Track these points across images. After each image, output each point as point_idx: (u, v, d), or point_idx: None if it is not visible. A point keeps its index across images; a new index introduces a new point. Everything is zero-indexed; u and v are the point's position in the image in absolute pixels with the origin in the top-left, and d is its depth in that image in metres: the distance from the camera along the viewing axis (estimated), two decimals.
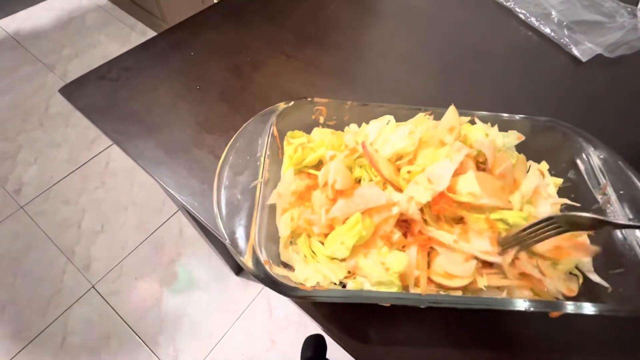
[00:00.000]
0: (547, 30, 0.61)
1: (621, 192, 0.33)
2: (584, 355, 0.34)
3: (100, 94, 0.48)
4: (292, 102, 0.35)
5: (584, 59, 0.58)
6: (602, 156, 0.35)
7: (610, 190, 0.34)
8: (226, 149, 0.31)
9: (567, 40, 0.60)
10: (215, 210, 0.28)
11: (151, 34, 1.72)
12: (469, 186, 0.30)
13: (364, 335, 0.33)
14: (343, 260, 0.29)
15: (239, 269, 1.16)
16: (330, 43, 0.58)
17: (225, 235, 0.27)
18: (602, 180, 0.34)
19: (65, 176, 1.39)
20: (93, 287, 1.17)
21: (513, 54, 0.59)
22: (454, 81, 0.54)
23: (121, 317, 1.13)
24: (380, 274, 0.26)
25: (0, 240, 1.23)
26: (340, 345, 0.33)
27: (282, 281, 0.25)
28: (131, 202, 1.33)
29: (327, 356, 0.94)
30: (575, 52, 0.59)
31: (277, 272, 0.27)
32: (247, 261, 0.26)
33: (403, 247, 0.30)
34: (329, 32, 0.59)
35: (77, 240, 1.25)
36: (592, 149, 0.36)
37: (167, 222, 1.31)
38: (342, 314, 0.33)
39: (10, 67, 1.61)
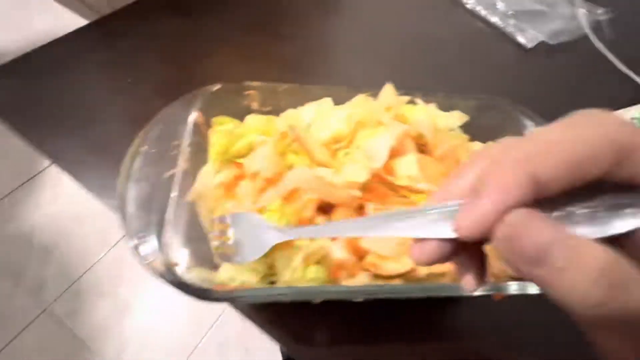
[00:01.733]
0: (494, 19, 0.62)
1: None
2: (522, 335, 0.32)
3: (16, 90, 0.43)
4: (218, 85, 0.32)
5: (528, 46, 0.59)
6: None
7: None
8: (138, 137, 0.28)
9: (512, 28, 0.61)
10: (119, 206, 0.24)
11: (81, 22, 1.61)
12: (408, 169, 0.29)
13: (309, 338, 0.30)
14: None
15: None
16: (281, 33, 0.56)
17: (131, 236, 0.23)
18: None
19: (12, 191, 1.28)
20: (46, 309, 1.07)
21: (462, 42, 0.59)
22: (404, 70, 0.54)
23: (80, 338, 1.04)
24: (295, 271, 0.23)
25: None
26: (288, 351, 0.30)
27: (197, 284, 0.22)
28: (90, 214, 1.24)
29: None
30: (521, 39, 0.60)
31: (199, 275, 0.24)
32: (154, 264, 0.22)
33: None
34: (281, 22, 0.57)
35: (26, 260, 1.15)
36: (534, 125, 0.35)
37: None
38: (287, 318, 0.31)
39: None
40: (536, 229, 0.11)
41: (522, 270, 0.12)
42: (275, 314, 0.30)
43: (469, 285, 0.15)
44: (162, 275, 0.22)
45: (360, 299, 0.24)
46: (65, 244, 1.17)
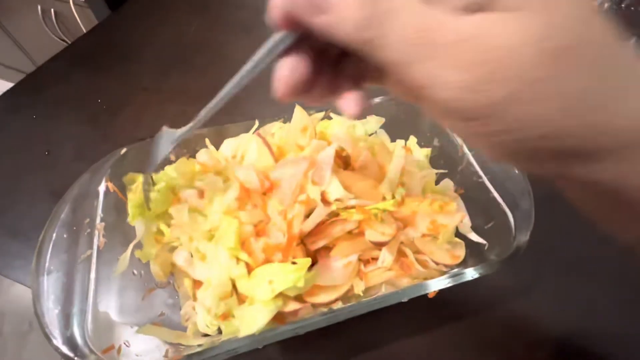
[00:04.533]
0: None
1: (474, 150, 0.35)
2: (495, 306, 0.34)
3: None
4: (125, 149, 0.31)
5: None
6: None
7: (466, 149, 0.35)
8: (46, 225, 0.26)
9: None
10: (34, 304, 0.23)
11: None
12: (336, 192, 0.29)
13: None
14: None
15: None
16: (195, 66, 0.55)
17: (50, 338, 0.22)
18: (459, 141, 0.35)
19: None
20: None
21: None
22: None
23: None
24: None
25: None
26: None
27: None
28: None
29: None
30: None
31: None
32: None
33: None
34: (193, 56, 0.56)
35: (2, 351, 1.07)
36: None
37: None
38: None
39: None
40: None
41: (309, 21, 0.14)
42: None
43: (350, 111, 0.17)
44: None
45: (303, 332, 0.24)
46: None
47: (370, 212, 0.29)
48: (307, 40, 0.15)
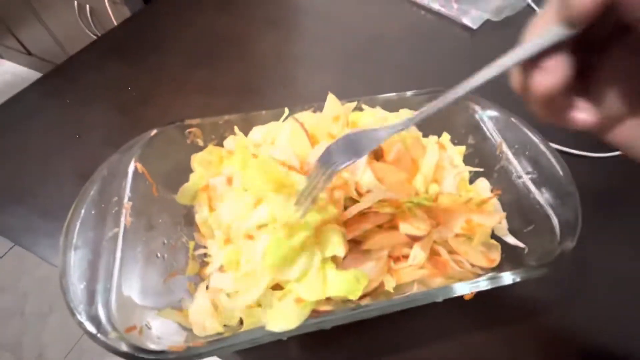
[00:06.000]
0: (436, 6, 0.62)
1: (516, 146, 0.32)
2: (530, 317, 0.32)
3: None
4: (155, 130, 0.31)
5: (474, 27, 0.59)
6: (492, 115, 0.34)
7: (505, 148, 0.33)
8: (75, 202, 0.26)
9: (456, 12, 0.61)
10: (60, 279, 0.23)
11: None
12: (369, 182, 0.28)
13: None
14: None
15: None
16: (223, 59, 0.55)
17: (74, 312, 0.22)
18: (498, 138, 0.33)
19: None
20: None
21: (408, 34, 0.59)
22: (354, 72, 0.53)
23: None
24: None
25: None
26: None
27: (151, 348, 0.21)
28: None
29: None
30: (465, 21, 0.60)
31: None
32: (103, 338, 0.21)
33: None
34: (221, 50, 0.56)
35: (22, 330, 1.10)
36: (483, 110, 0.35)
37: None
38: (268, 354, 0.29)
39: None
40: None
41: None
42: (260, 356, 0.29)
43: (581, 122, 0.15)
44: (109, 348, 0.21)
45: (329, 327, 0.23)
46: (59, 307, 1.13)
47: (404, 205, 0.28)
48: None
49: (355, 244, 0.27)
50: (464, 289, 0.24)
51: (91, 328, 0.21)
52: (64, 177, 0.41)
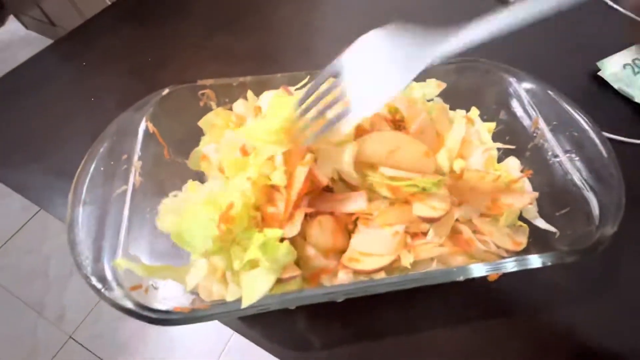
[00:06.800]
0: None
1: (554, 123, 0.29)
2: (552, 308, 0.30)
3: None
4: (167, 90, 0.29)
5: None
6: (529, 88, 0.31)
7: (542, 124, 0.30)
8: (85, 158, 0.26)
9: None
10: (68, 234, 0.22)
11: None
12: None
13: (306, 345, 0.28)
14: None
15: None
16: (242, 26, 0.53)
17: (80, 267, 0.21)
18: (533, 114, 0.30)
19: (23, 225, 1.30)
20: (71, 337, 1.09)
21: (434, 4, 0.55)
22: None
23: None
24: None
25: None
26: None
27: (157, 308, 0.20)
28: None
29: None
30: None
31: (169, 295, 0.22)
32: (109, 293, 0.20)
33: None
34: (239, 17, 0.54)
35: (45, 291, 1.17)
36: (519, 82, 0.32)
37: None
38: (279, 328, 0.29)
39: None
40: None
41: None
42: (267, 326, 0.28)
43: None
44: (115, 305, 0.20)
45: (341, 299, 0.22)
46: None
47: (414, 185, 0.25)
48: None
49: (366, 217, 0.25)
50: (489, 269, 0.22)
51: (96, 283, 0.21)
52: (79, 139, 0.41)
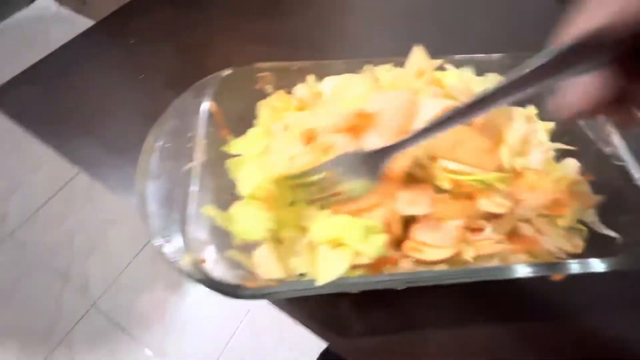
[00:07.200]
0: None
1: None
2: (594, 317, 0.29)
3: (33, 97, 0.43)
4: (229, 71, 0.30)
5: None
6: None
7: (609, 127, 0.29)
8: (152, 133, 0.26)
9: None
10: (138, 206, 0.23)
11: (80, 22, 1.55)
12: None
13: (350, 329, 0.29)
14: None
15: None
16: (287, 10, 0.52)
17: (154, 236, 0.22)
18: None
19: (50, 198, 1.35)
20: (93, 305, 1.15)
21: None
22: (425, 30, 0.49)
23: (127, 330, 1.11)
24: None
25: None
26: (326, 342, 0.29)
27: (226, 282, 0.21)
28: (124, 213, 1.29)
29: None
30: None
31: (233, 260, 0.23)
32: (181, 263, 0.21)
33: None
34: (285, 1, 0.54)
35: (70, 262, 1.22)
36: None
37: None
38: (326, 310, 0.29)
39: None
40: None
41: None
42: (314, 306, 0.29)
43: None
44: (190, 275, 0.21)
45: (402, 287, 0.22)
46: (103, 244, 1.23)
47: (479, 181, 0.25)
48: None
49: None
50: (557, 269, 0.22)
51: (170, 254, 0.21)
52: (128, 116, 0.42)
